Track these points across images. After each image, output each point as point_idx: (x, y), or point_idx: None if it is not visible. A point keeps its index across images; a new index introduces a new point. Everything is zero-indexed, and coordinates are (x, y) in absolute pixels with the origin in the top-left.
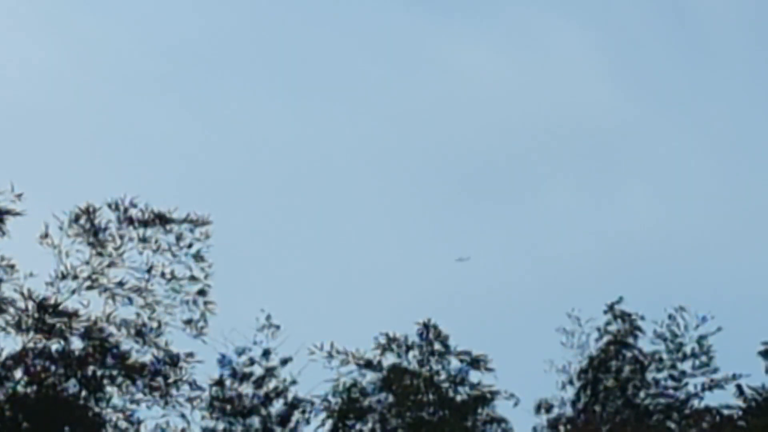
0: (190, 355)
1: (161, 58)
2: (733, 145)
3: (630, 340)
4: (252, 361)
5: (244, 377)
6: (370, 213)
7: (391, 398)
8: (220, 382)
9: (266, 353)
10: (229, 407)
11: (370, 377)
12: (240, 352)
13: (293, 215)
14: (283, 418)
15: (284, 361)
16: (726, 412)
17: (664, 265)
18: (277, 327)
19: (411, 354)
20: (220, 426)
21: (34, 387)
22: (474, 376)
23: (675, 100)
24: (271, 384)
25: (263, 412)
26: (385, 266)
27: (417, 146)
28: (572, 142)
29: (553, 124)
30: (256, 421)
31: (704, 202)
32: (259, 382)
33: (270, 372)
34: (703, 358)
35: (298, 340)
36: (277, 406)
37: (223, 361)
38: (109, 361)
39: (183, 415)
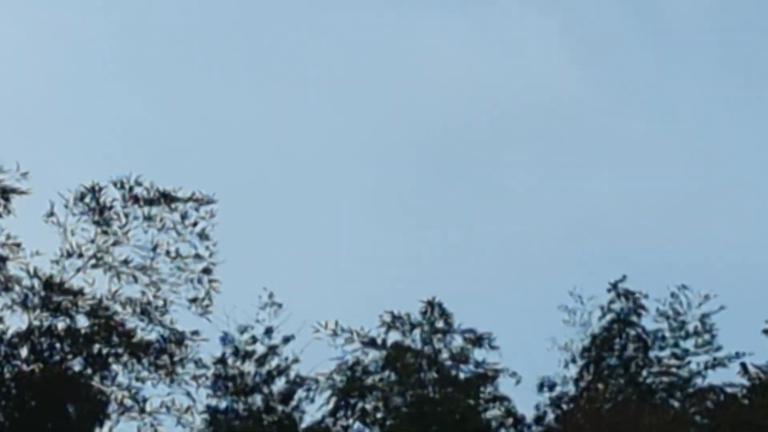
0: (195, 333)
1: (158, 43)
2: (694, 125)
3: (633, 318)
4: (254, 340)
5: (247, 356)
6: (360, 195)
7: (393, 376)
8: (222, 361)
9: (268, 332)
10: (231, 385)
11: (372, 355)
12: (242, 331)
13: (296, 196)
14: (286, 396)
15: (286, 340)
16: (730, 390)
17: (637, 241)
18: (280, 306)
19: (415, 332)
20: (223, 404)
21: (40, 365)
22: (478, 354)
23: (636, 82)
24: (274, 362)
25: (265, 390)
26: (383, 247)
27: (395, 130)
28: (538, 124)
29: (520, 107)
30: (258, 399)
31: (668, 181)
32: (261, 361)
33: (272, 350)
34: (706, 337)
35: (300, 319)
36: (279, 385)
37: (226, 339)
38: (115, 339)
39: (188, 393)
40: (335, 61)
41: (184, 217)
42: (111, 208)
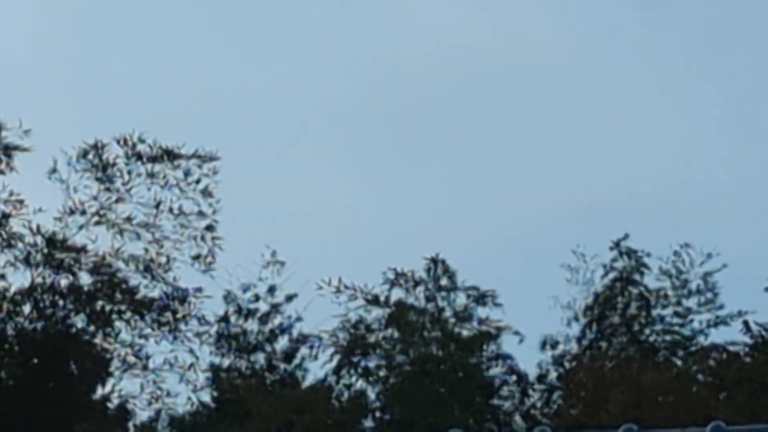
0: (199, 290)
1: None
2: (688, 78)
3: (636, 276)
4: (257, 298)
5: (249, 314)
6: (362, 153)
7: (396, 334)
8: (225, 319)
9: (271, 290)
10: (234, 343)
11: (375, 313)
12: (245, 289)
13: (299, 154)
14: (288, 355)
15: (289, 298)
16: (732, 348)
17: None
18: (282, 264)
19: (418, 289)
20: (226, 362)
21: (43, 322)
22: (481, 312)
23: (625, 34)
24: (276, 320)
25: (268, 348)
26: (386, 205)
27: (389, 89)
28: (527, 77)
29: (499, 63)
30: (261, 357)
31: (666, 137)
32: (264, 319)
33: (275, 308)
34: (709, 295)
35: (303, 277)
36: (282, 343)
37: (228, 297)
38: (118, 296)
39: (191, 350)
40: (318, 14)
41: (187, 174)
42: (114, 165)
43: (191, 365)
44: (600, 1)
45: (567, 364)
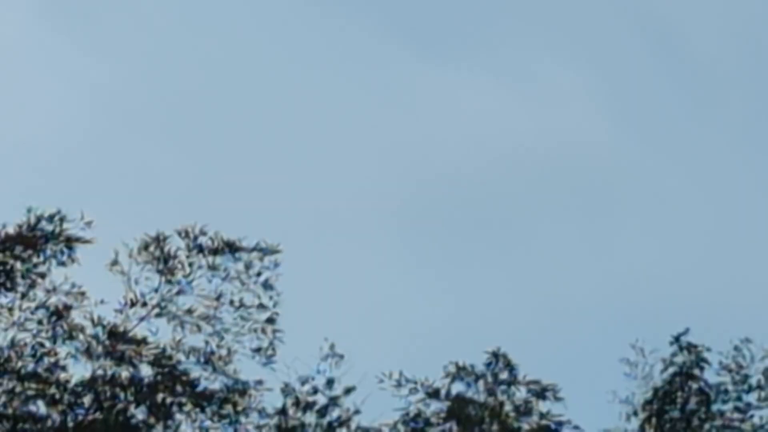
0: (260, 382)
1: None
2: (730, 181)
3: (696, 371)
4: (315, 390)
5: (308, 406)
6: (415, 249)
7: (456, 428)
8: (283, 411)
9: (330, 382)
10: None
11: (435, 407)
12: (303, 381)
13: (359, 246)
14: None
15: (348, 390)
16: None
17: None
18: (341, 356)
19: (480, 383)
20: None
21: (102, 413)
22: (542, 406)
23: (672, 138)
24: (335, 413)
25: None
26: (442, 300)
27: (434, 185)
28: (570, 180)
29: (551, 162)
30: None
31: (717, 233)
32: (322, 412)
33: (333, 401)
34: None
35: (361, 370)
36: None
37: (287, 389)
38: (179, 388)
39: None
40: (365, 113)
41: (248, 266)
42: (175, 257)
43: None
44: (642, 100)
45: None
